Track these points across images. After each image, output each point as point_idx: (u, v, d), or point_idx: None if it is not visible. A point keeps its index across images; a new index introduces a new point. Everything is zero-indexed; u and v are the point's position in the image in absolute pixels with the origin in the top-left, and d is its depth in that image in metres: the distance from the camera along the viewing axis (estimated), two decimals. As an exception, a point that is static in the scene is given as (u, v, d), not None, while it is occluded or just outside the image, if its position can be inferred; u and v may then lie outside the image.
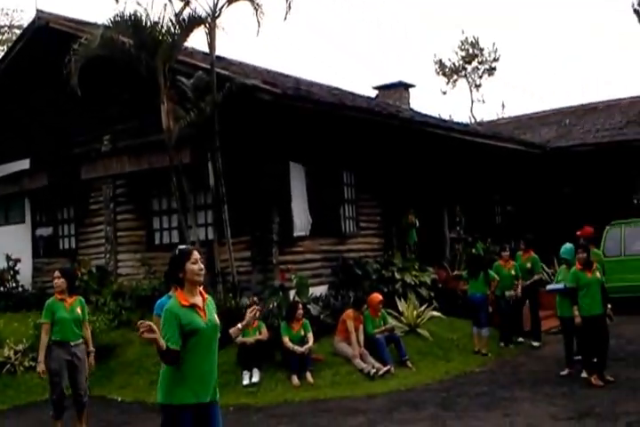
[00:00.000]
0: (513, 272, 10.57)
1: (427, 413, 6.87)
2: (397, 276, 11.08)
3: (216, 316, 4.18)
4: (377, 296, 9.57)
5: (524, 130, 20.24)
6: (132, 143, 12.34)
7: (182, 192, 10.70)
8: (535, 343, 10.53)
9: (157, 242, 12.38)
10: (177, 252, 4.17)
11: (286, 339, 8.56)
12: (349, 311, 9.14)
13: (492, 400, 7.24)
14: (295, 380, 8.21)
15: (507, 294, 10.40)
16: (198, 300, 4.09)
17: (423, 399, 7.46)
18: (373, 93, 19.75)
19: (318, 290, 10.87)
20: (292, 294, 9.85)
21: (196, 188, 11.59)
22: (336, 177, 12.53)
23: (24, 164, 14.22)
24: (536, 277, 10.93)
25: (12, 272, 13.36)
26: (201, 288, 4.17)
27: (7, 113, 14.46)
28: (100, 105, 13.23)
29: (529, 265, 10.86)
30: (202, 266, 4.10)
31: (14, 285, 13.39)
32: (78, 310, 6.73)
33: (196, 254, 4.09)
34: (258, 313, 4.63)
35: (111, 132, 13.00)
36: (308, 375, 8.29)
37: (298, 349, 8.41)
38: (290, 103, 10.37)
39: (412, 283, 11.09)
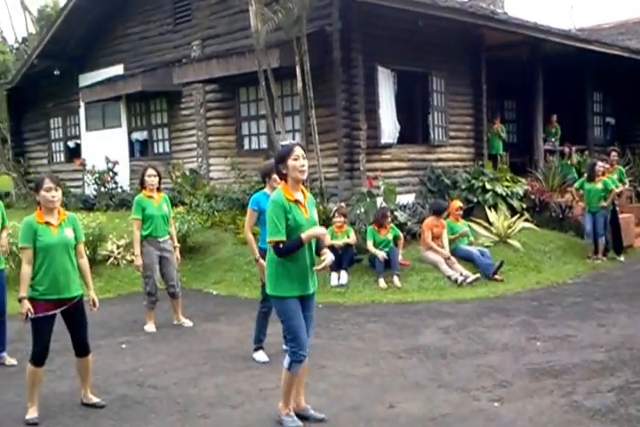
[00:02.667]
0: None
1: (517, 319, 6.86)
2: (488, 186, 10.84)
3: (316, 214, 4.25)
4: (455, 202, 9.56)
5: (629, 36, 18.74)
6: (221, 48, 12.35)
7: (271, 97, 10.69)
8: (620, 258, 10.35)
9: (247, 147, 12.57)
10: (280, 147, 4.24)
11: (370, 243, 8.66)
12: (428, 220, 9.10)
13: (587, 311, 7.14)
14: (382, 283, 8.38)
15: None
16: (300, 196, 4.13)
17: (513, 307, 7.46)
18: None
19: (405, 198, 10.85)
20: (378, 200, 9.86)
21: (284, 92, 11.59)
22: (425, 83, 12.19)
23: (118, 69, 14.54)
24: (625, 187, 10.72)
25: (111, 174, 14.03)
26: (303, 186, 4.21)
27: (100, 22, 14.72)
28: (190, 10, 13.20)
29: (616, 176, 10.53)
30: (303, 162, 4.09)
31: (114, 185, 14.08)
32: (165, 207, 6.91)
33: (297, 150, 4.08)
34: None
35: (200, 38, 12.99)
36: (396, 279, 8.43)
37: (380, 254, 8.49)
38: (378, 2, 9.99)
39: (504, 194, 10.84)
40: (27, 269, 4.42)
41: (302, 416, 4.30)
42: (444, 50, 12.10)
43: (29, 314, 4.35)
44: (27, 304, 4.36)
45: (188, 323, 7.02)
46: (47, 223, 4.45)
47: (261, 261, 5.51)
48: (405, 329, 6.62)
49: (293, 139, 11.39)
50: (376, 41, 10.76)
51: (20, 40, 32.03)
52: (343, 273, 8.54)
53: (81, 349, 4.63)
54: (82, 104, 15.48)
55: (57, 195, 4.45)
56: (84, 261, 4.71)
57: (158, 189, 6.97)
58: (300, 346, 4.10)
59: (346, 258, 8.64)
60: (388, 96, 11.14)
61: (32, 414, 4.44)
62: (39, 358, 4.47)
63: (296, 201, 4.09)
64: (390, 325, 6.82)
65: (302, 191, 4.18)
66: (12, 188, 16.77)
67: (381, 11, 10.32)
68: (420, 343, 6.09)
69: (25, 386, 4.54)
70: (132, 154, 14.78)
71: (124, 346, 6.26)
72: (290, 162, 4.06)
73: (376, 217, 8.92)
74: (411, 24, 10.84)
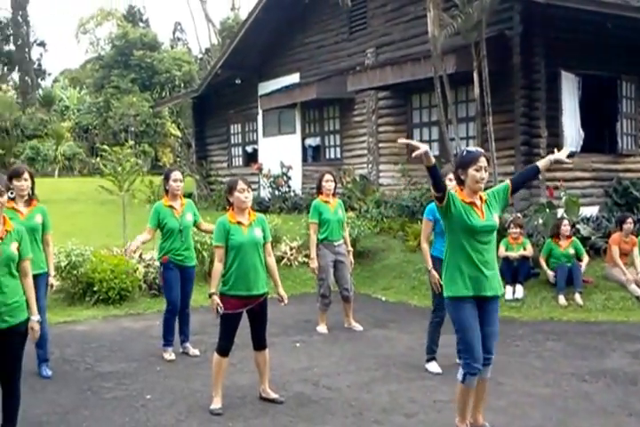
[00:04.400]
0: None
1: None
2: (685, 200, 9.94)
3: (495, 216, 4.10)
4: None
5: None
6: (395, 55, 12.38)
7: (445, 103, 10.54)
8: None
9: (418, 154, 12.46)
10: (464, 152, 4.09)
11: (542, 260, 8.34)
12: (616, 235, 8.43)
13: None
14: (562, 300, 7.90)
15: None
16: (478, 201, 4.05)
17: None
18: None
19: (588, 211, 10.19)
20: (559, 212, 9.36)
21: (459, 99, 11.38)
22: (614, 89, 11.43)
23: (295, 78, 15.09)
24: None
25: (285, 178, 14.59)
26: (481, 193, 4.09)
27: (279, 33, 15.39)
28: (365, 19, 13.38)
29: None
30: (484, 175, 3.98)
31: (287, 189, 14.62)
32: (340, 212, 7.00)
33: (482, 161, 3.96)
34: None
35: (375, 45, 13.12)
36: (577, 297, 7.91)
37: (550, 273, 8.18)
38: (565, 4, 9.53)
39: (701, 209, 9.86)
40: (218, 267, 4.66)
41: (480, 433, 4.15)
42: (634, 53, 11.23)
43: (219, 309, 4.56)
44: (216, 300, 4.59)
45: (358, 327, 7.06)
46: (239, 223, 4.66)
47: (433, 271, 5.44)
48: (589, 351, 6.19)
49: (467, 146, 11.15)
50: (559, 44, 10.29)
51: (203, 51, 34.45)
52: (519, 287, 8.18)
53: (259, 343, 4.81)
54: (260, 111, 16.27)
55: (249, 196, 4.67)
56: (272, 260, 4.90)
57: (334, 195, 7.09)
58: (473, 358, 3.98)
59: (522, 271, 8.27)
60: (571, 102, 10.61)
61: (216, 404, 4.66)
62: (224, 350, 4.69)
63: (471, 203, 4.01)
64: (572, 345, 6.41)
65: (480, 197, 4.08)
66: (194, 189, 17.96)
67: (565, 13, 9.85)
68: (607, 367, 5.66)
69: (211, 375, 4.77)
70: (304, 159, 15.28)
71: (297, 345, 6.42)
72: (471, 171, 3.97)
73: (552, 229, 8.51)
74: (598, 26, 10.19)
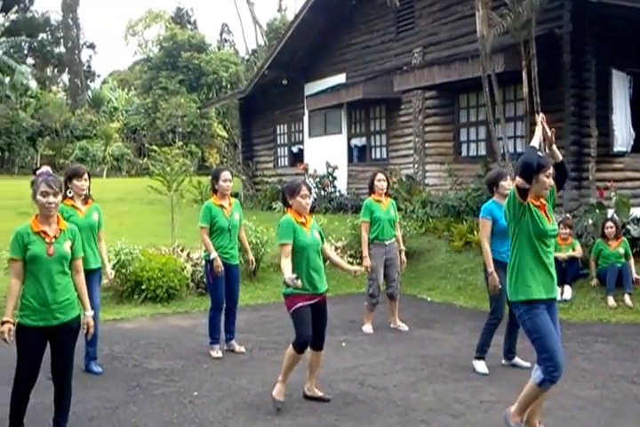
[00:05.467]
0: None
1: None
2: None
3: (556, 222, 4.15)
4: None
5: None
6: (442, 54, 12.31)
7: (493, 102, 10.44)
8: None
9: (464, 154, 12.39)
10: (537, 158, 4.01)
11: (592, 261, 8.21)
12: None
13: None
14: (611, 301, 7.76)
15: None
16: (542, 203, 4.07)
17: None
18: None
19: (638, 211, 9.96)
20: (609, 212, 9.18)
21: (506, 98, 11.25)
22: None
23: (341, 78, 15.13)
24: None
25: (330, 178, 14.64)
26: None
27: (326, 33, 15.44)
28: (413, 18, 13.33)
29: None
30: (552, 182, 4.00)
31: (332, 189, 14.66)
32: (392, 212, 7.01)
33: (551, 168, 3.97)
34: None
35: (422, 45, 13.07)
36: (627, 298, 7.76)
37: (594, 281, 8.10)
38: (617, 3, 9.41)
39: None
40: (286, 262, 4.55)
41: (532, 434, 4.11)
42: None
43: (294, 281, 4.31)
44: (291, 277, 4.32)
45: (403, 327, 7.06)
46: (302, 224, 4.71)
47: (495, 275, 5.41)
48: (638, 352, 6.08)
49: (515, 146, 11.03)
50: (610, 43, 10.08)
51: (249, 52, 34.80)
52: (567, 288, 8.07)
53: (319, 343, 4.81)
54: (306, 111, 16.35)
55: (309, 202, 4.73)
56: (334, 254, 5.00)
57: (386, 194, 7.11)
58: (556, 366, 3.89)
59: (570, 272, 8.16)
60: (622, 101, 10.39)
61: (280, 396, 4.66)
62: (302, 345, 4.65)
63: (539, 206, 4.05)
64: (621, 347, 6.29)
65: (541, 201, 4.10)
66: (241, 189, 18.16)
67: (616, 11, 9.67)
68: (657, 370, 5.55)
69: (283, 366, 4.75)
70: (350, 159, 15.29)
71: (343, 344, 6.44)
72: (542, 177, 3.98)
73: (601, 229, 8.38)
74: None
